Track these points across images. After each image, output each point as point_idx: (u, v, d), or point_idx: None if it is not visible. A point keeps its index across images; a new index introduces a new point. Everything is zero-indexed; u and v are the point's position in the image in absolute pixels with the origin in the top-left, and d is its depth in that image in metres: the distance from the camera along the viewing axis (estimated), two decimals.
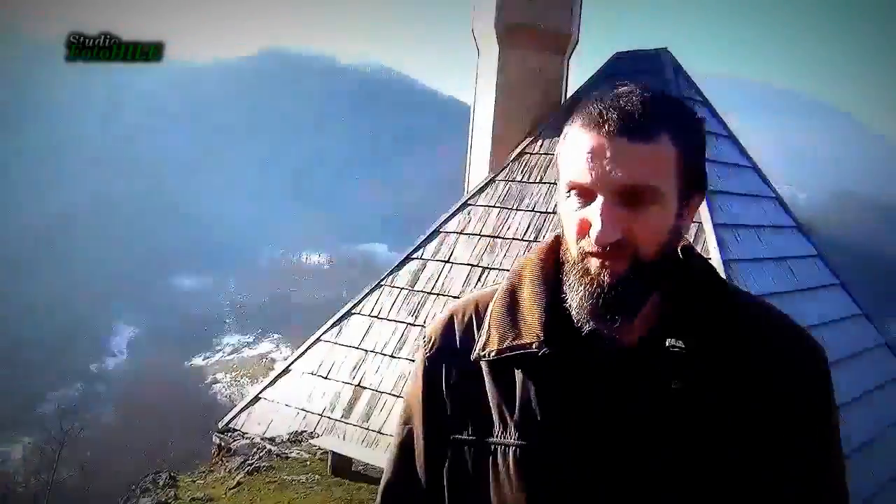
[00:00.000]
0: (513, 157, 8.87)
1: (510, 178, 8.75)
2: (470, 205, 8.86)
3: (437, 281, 8.48)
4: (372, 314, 8.66)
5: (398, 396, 7.87)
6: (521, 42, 8.96)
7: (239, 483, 5.32)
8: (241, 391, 69.20)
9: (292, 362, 8.89)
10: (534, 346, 1.27)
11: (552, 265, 1.34)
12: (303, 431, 6.84)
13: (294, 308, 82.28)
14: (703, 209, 7.28)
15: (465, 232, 8.66)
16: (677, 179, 1.19)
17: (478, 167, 9.24)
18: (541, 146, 8.84)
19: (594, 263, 1.19)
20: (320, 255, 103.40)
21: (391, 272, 8.93)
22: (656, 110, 1.18)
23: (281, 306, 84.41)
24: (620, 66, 9.11)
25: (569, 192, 1.21)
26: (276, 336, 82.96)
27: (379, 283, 8.90)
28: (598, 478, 1.23)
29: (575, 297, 1.23)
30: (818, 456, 1.27)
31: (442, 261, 8.59)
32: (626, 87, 1.23)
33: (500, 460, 1.30)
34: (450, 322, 1.44)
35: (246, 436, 7.91)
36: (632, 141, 1.15)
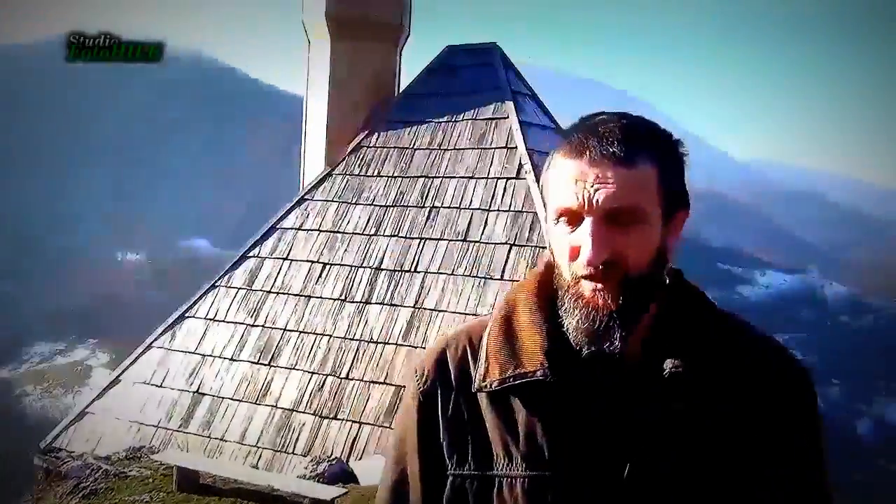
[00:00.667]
0: (349, 150, 8.78)
1: (347, 172, 8.66)
2: (307, 199, 8.69)
3: (276, 279, 8.26)
4: (208, 317, 8.31)
5: (240, 401, 7.62)
6: (353, 34, 8.88)
7: None
8: (55, 403, 64.44)
9: (121, 372, 8.36)
10: (538, 374, 1.26)
11: (545, 292, 1.34)
12: (141, 447, 6.45)
13: (112, 311, 77.53)
14: (538, 200, 7.54)
15: (303, 228, 8.48)
16: (659, 199, 1.24)
17: (313, 161, 9.08)
18: (377, 139, 8.80)
19: (587, 286, 1.22)
20: (138, 253, 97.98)
21: (226, 272, 8.60)
22: (634, 135, 1.23)
23: (97, 310, 79.19)
24: (452, 60, 9.24)
25: (557, 218, 1.24)
26: (92, 342, 77.77)
27: (213, 283, 8.55)
28: (609, 501, 1.23)
29: (571, 321, 1.24)
30: (807, 472, 1.33)
31: (280, 258, 8.38)
32: (604, 116, 1.27)
33: (506, 493, 1.28)
34: (442, 354, 1.39)
35: (75, 455, 7.36)
36: (614, 165, 1.20)
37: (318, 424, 7.18)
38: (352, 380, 7.32)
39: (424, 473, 1.36)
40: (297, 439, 7.15)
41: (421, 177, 8.30)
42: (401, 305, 7.54)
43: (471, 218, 7.79)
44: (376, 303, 7.66)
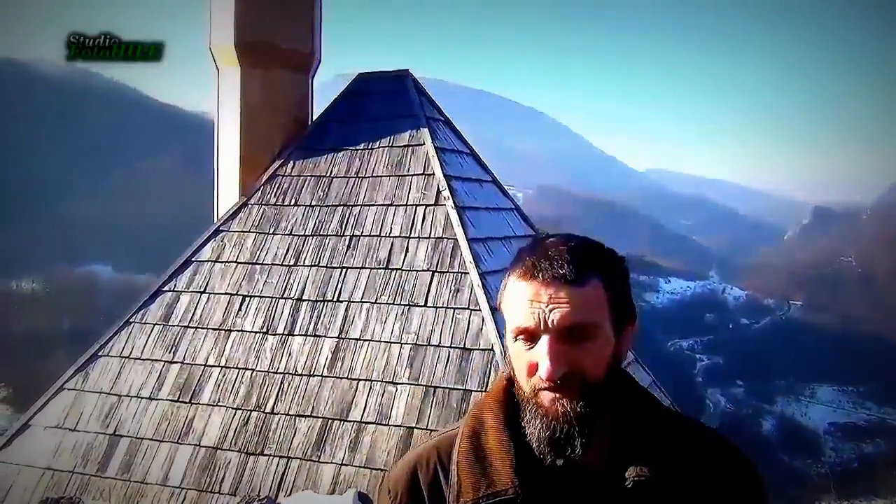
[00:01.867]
0: (264, 179, 8.68)
1: (264, 202, 8.55)
2: (222, 231, 8.53)
3: (194, 313, 8.07)
4: (122, 354, 8.04)
5: (161, 441, 7.40)
6: (263, 61, 8.81)
7: None
8: None
9: (31, 417, 7.99)
10: (510, 493, 1.31)
11: (509, 405, 1.41)
12: (59, 498, 6.17)
13: (7, 343, 73.78)
14: (457, 226, 7.64)
15: (220, 260, 8.32)
16: (609, 313, 1.34)
17: (227, 190, 8.93)
18: (292, 168, 8.73)
19: (547, 396, 1.29)
20: (33, 280, 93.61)
21: (140, 307, 8.34)
22: (582, 257, 1.34)
23: None
24: (364, 86, 9.27)
25: (515, 337, 1.33)
26: None
27: (127, 320, 8.27)
28: None
29: (534, 431, 1.32)
30: None
31: (198, 291, 8.19)
32: (552, 240, 1.39)
33: None
34: (413, 474, 1.43)
35: None
36: (566, 286, 1.30)
37: (244, 461, 7.04)
38: (277, 414, 7.21)
39: None
40: (223, 478, 6.99)
41: (340, 205, 8.27)
42: (325, 336, 7.48)
43: (391, 245, 7.81)
44: (299, 334, 7.58)
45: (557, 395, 1.28)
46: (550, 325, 1.28)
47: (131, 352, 8.03)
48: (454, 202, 7.83)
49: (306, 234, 8.19)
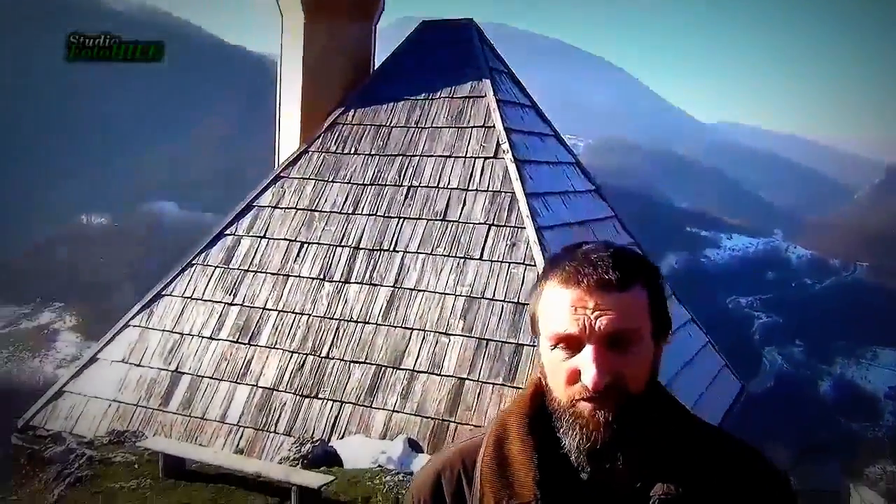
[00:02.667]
0: (325, 127, 8.72)
1: (324, 150, 8.61)
2: (283, 177, 8.64)
3: (253, 257, 8.24)
4: (185, 295, 8.28)
5: (220, 380, 7.65)
6: (327, 9, 8.77)
7: (60, 497, 4.94)
8: (21, 366, 63.73)
9: (99, 350, 8.32)
10: None
11: (536, 414, 1.37)
12: (124, 431, 6.45)
13: (77, 274, 76.55)
14: (516, 180, 7.59)
15: (279, 206, 8.45)
16: (651, 320, 1.29)
17: (287, 137, 9.00)
18: (353, 116, 8.75)
19: (586, 407, 1.25)
20: (104, 216, 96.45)
21: (202, 249, 8.55)
22: (625, 263, 1.28)
23: (61, 273, 78.09)
24: (427, 35, 9.18)
25: (555, 345, 1.28)
26: (57, 305, 76.81)
27: (190, 261, 8.50)
28: None
29: (572, 442, 1.28)
30: None
31: (257, 236, 8.35)
32: (590, 245, 1.32)
33: None
34: (437, 481, 1.42)
35: (53, 435, 7.35)
36: (611, 292, 1.25)
37: (299, 403, 7.24)
38: (332, 359, 7.37)
39: None
40: (279, 419, 7.21)
41: (398, 155, 8.28)
42: (380, 285, 7.58)
43: (449, 197, 7.82)
44: (355, 282, 7.69)
45: (598, 405, 1.25)
46: (597, 333, 1.24)
47: (193, 292, 8.26)
48: (513, 155, 7.77)
49: (365, 182, 8.24)
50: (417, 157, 8.20)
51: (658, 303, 1.31)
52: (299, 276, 7.96)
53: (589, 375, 1.23)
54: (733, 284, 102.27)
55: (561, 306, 1.27)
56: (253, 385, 7.52)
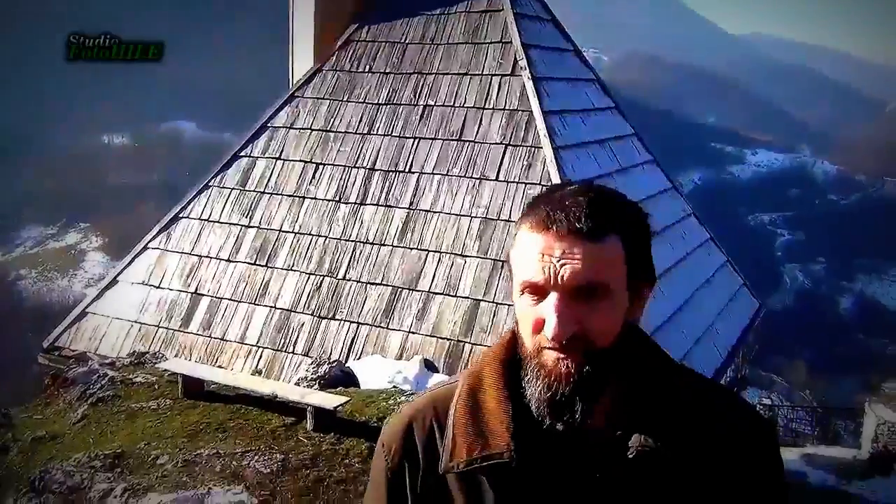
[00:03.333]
0: (338, 45, 8.54)
1: (338, 68, 8.45)
2: (297, 97, 8.52)
3: (269, 179, 8.20)
4: (202, 217, 8.30)
5: (239, 301, 7.72)
6: None
7: (84, 416, 5.06)
8: (50, 286, 65.04)
9: (119, 273, 8.41)
10: (505, 457, 1.26)
11: (510, 362, 1.33)
12: (144, 353, 6.56)
13: (100, 194, 77.20)
14: (533, 97, 7.42)
15: (294, 126, 8.35)
16: (625, 274, 1.23)
17: (302, 56, 8.83)
18: (367, 33, 8.55)
19: (550, 356, 1.21)
20: (123, 135, 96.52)
21: (218, 171, 8.52)
22: (602, 210, 1.21)
23: (85, 193, 78.74)
24: None
25: (522, 290, 1.23)
26: (83, 225, 77.80)
27: (206, 183, 8.48)
28: None
29: (534, 392, 1.24)
30: None
31: (273, 157, 8.29)
32: (571, 187, 1.24)
33: None
34: (408, 431, 1.38)
35: (78, 356, 7.51)
36: (581, 241, 1.18)
37: (316, 325, 7.31)
38: (349, 280, 7.40)
39: None
40: (297, 339, 7.30)
41: (414, 73, 8.11)
42: (396, 206, 7.53)
43: (465, 117, 7.67)
44: (371, 204, 7.64)
45: (562, 355, 1.20)
46: (560, 282, 1.18)
47: (210, 215, 8.27)
48: (531, 72, 7.57)
49: (380, 102, 8.10)
50: (433, 76, 8.02)
51: (637, 254, 1.24)
52: (315, 198, 7.92)
53: (550, 325, 1.18)
54: (756, 201, 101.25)
55: (530, 252, 1.21)
56: (271, 306, 7.59)
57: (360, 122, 8.08)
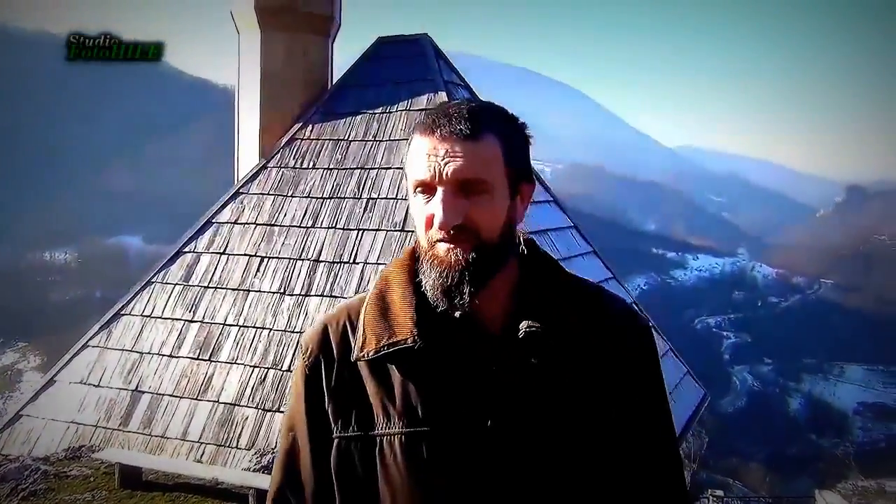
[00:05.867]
0: (283, 142, 8.75)
1: (282, 165, 8.63)
2: (242, 193, 8.64)
3: (213, 273, 8.20)
4: (144, 314, 8.21)
5: (181, 398, 7.56)
6: (284, 24, 8.84)
7: None
8: None
9: (56, 373, 8.20)
10: (408, 342, 1.40)
11: (415, 266, 1.49)
12: (81, 446, 6.36)
13: (41, 312, 75.23)
14: None
15: (239, 221, 8.43)
16: (505, 172, 1.39)
17: (247, 154, 9.02)
18: (311, 131, 8.80)
19: (442, 248, 1.37)
20: (66, 252, 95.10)
21: (161, 267, 8.50)
22: (480, 115, 1.39)
23: (25, 311, 76.70)
24: (383, 50, 9.28)
25: (415, 191, 1.39)
26: (21, 345, 75.32)
27: (149, 279, 8.44)
28: (479, 453, 1.39)
29: (429, 280, 1.39)
30: (653, 408, 1.54)
31: (217, 252, 8.32)
32: (455, 101, 1.44)
33: (386, 450, 1.42)
34: (324, 331, 1.52)
35: (10, 458, 7.21)
36: (462, 141, 1.35)
37: (261, 417, 7.18)
38: (293, 372, 7.32)
39: (312, 438, 1.50)
40: (241, 433, 7.13)
41: (357, 168, 8.33)
42: (341, 296, 7.56)
43: (408, 208, 7.86)
44: (316, 294, 7.67)
45: (451, 245, 1.36)
46: (445, 178, 1.34)
47: (153, 311, 8.19)
48: None
49: (324, 196, 8.27)
50: (376, 170, 8.24)
51: (514, 155, 1.42)
52: (259, 291, 7.93)
53: (437, 216, 1.34)
54: (701, 304, 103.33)
55: (419, 154, 1.38)
56: (214, 401, 7.44)
57: (304, 216, 8.20)
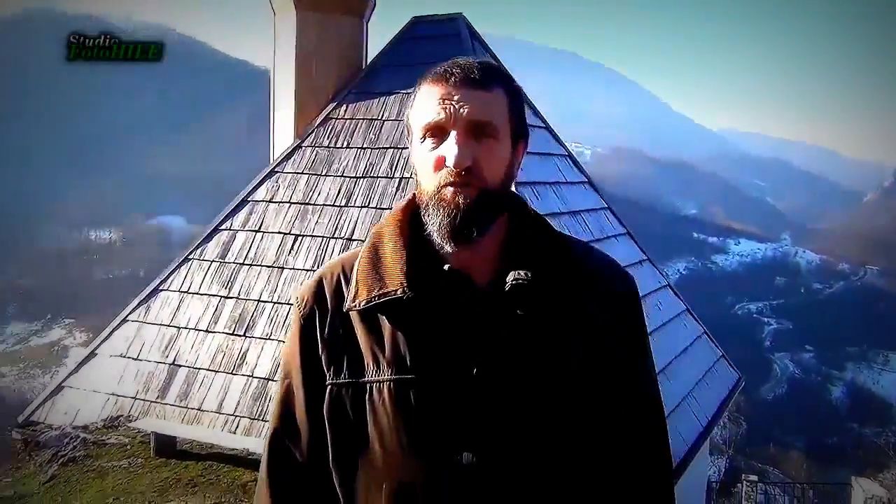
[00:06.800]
0: (318, 122, 8.83)
1: (317, 144, 8.72)
2: (277, 172, 8.75)
3: (248, 251, 8.33)
4: (181, 289, 8.38)
5: (216, 371, 7.72)
6: (318, 5, 8.88)
7: (53, 476, 5.02)
8: (32, 384, 63.96)
9: (97, 346, 8.42)
10: (398, 293, 1.48)
11: (408, 221, 1.57)
12: (119, 416, 6.55)
13: (87, 290, 77.00)
14: None
15: (274, 200, 8.55)
16: (509, 122, 1.50)
17: (282, 133, 9.11)
18: (345, 111, 8.86)
19: (448, 191, 1.44)
20: (111, 231, 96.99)
21: (199, 245, 8.66)
22: (489, 69, 1.50)
23: (71, 289, 78.55)
24: (418, 30, 9.29)
25: (423, 137, 1.48)
26: (68, 322, 77.24)
27: (186, 256, 8.60)
28: (464, 400, 1.45)
29: (435, 222, 1.46)
30: (637, 359, 1.61)
31: (252, 230, 8.45)
32: (461, 57, 1.54)
33: (375, 396, 1.49)
34: (319, 283, 1.62)
35: (54, 427, 7.45)
36: (474, 88, 1.45)
37: None
38: None
39: (306, 385, 1.58)
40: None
41: (390, 147, 8.38)
42: None
43: None
44: None
45: (458, 189, 1.42)
46: (459, 120, 1.42)
47: (190, 287, 8.36)
48: None
49: (357, 175, 8.34)
50: (408, 149, 8.28)
51: (516, 109, 1.52)
52: (294, 268, 8.04)
53: (452, 155, 1.42)
54: (742, 290, 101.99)
55: (431, 100, 1.47)
56: (248, 375, 7.59)
57: (338, 195, 8.29)
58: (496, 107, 1.46)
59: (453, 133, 1.42)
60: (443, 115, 1.43)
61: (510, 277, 1.47)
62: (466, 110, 1.42)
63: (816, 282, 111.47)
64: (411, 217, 1.58)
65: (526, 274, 1.47)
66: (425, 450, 1.47)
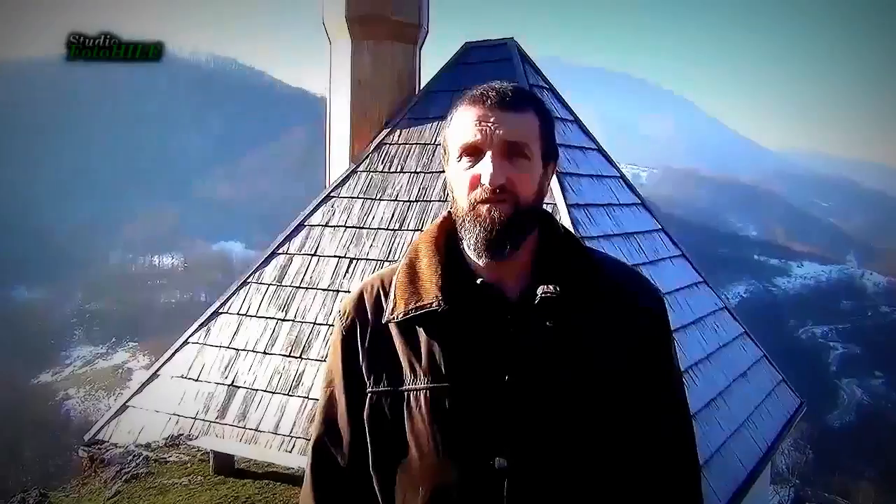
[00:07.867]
0: (372, 147, 9.00)
1: (371, 169, 8.87)
2: (333, 196, 8.92)
3: (304, 274, 8.50)
4: (240, 312, 8.58)
5: (273, 393, 7.87)
6: (373, 33, 9.08)
7: (117, 492, 5.19)
8: (98, 405, 65.68)
9: (160, 367, 8.66)
10: (433, 306, 1.57)
11: (444, 238, 1.68)
12: (179, 434, 6.72)
13: (150, 314, 78.91)
14: (556, 190, 7.70)
15: (329, 224, 8.71)
16: (540, 143, 1.59)
17: (338, 159, 9.30)
18: (399, 136, 9.01)
19: (485, 208, 1.53)
20: (173, 256, 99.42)
21: (257, 268, 8.86)
22: (522, 93, 1.59)
23: (135, 313, 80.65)
24: (470, 56, 9.42)
25: (460, 156, 1.57)
26: (131, 345, 79.22)
27: (245, 280, 8.81)
28: (496, 407, 1.52)
29: (471, 237, 1.56)
30: (664, 373, 1.66)
31: (308, 254, 8.62)
32: (497, 81, 1.64)
33: (412, 404, 1.58)
34: (360, 297, 1.72)
35: (118, 445, 7.67)
36: (509, 110, 1.54)
37: None
38: None
39: (348, 393, 1.67)
40: None
41: (442, 172, 8.43)
42: None
43: None
44: None
45: (493, 206, 1.51)
46: (495, 141, 1.51)
47: (248, 310, 8.55)
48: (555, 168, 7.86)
49: (411, 199, 8.45)
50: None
51: (547, 131, 1.61)
52: (349, 291, 8.14)
53: (487, 174, 1.51)
54: (806, 313, 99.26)
55: (467, 122, 1.56)
56: (304, 397, 7.71)
57: (392, 219, 8.41)
58: (529, 128, 1.55)
59: (489, 153, 1.51)
60: (479, 136, 1.51)
61: (540, 291, 1.55)
62: (501, 132, 1.50)
63: (884, 304, 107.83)
64: (446, 234, 1.68)
65: (555, 288, 1.54)
66: (460, 455, 1.53)
